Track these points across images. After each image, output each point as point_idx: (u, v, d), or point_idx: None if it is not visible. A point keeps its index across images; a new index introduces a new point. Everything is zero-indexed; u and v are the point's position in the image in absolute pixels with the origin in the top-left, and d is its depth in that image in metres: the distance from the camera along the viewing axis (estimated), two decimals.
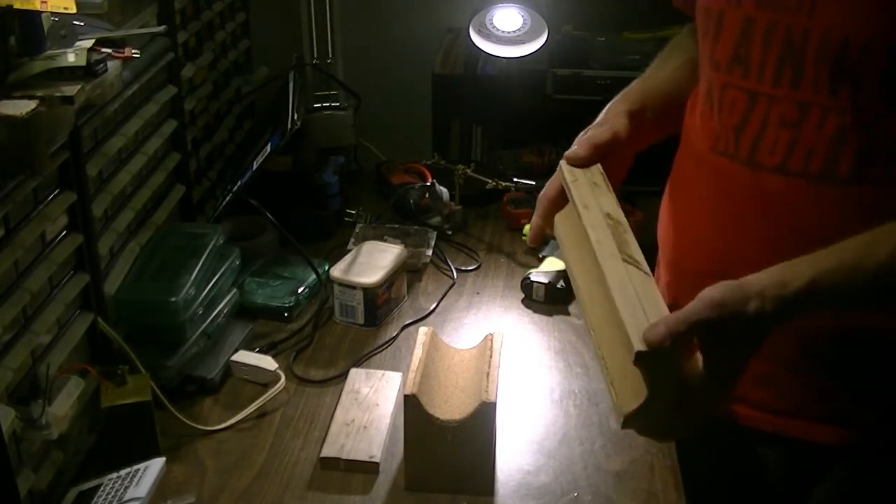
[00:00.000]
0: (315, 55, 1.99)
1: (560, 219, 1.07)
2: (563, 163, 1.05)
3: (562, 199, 1.06)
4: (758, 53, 0.93)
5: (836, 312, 0.93)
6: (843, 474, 1.05)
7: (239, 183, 1.70)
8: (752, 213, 0.98)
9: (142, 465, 1.17)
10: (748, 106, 0.95)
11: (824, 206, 0.92)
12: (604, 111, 1.12)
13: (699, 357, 0.85)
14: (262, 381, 1.36)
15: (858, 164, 0.90)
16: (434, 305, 1.60)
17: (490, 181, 1.82)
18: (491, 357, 1.18)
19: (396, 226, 1.78)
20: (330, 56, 1.99)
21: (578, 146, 1.05)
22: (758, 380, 1.02)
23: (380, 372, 1.39)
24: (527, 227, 1.77)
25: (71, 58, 1.05)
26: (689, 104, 1.11)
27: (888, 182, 0.89)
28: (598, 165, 1.05)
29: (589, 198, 0.99)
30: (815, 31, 0.88)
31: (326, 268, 1.60)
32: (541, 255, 1.70)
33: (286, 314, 1.54)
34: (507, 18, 1.87)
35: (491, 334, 1.23)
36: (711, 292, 0.84)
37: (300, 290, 1.58)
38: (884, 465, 1.03)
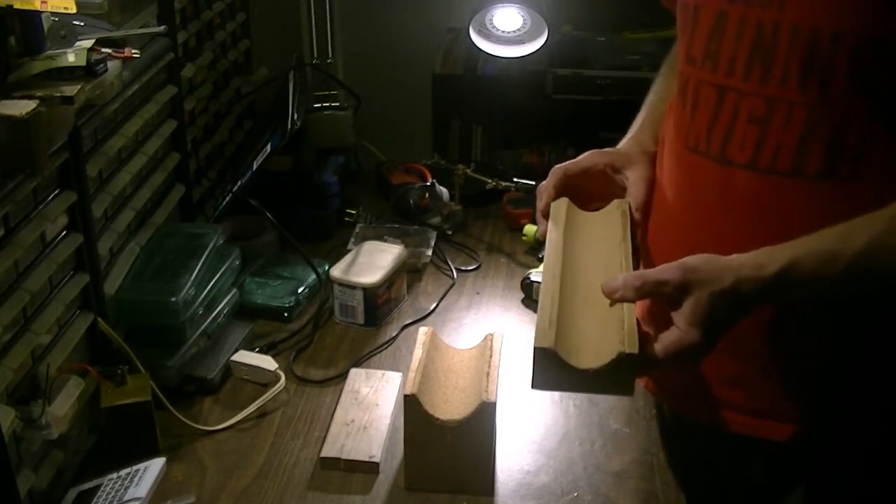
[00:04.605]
0: (315, 55, 1.99)
1: (572, 209, 1.10)
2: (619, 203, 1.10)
3: (577, 183, 1.11)
4: (729, 48, 0.94)
5: (814, 308, 0.93)
6: (816, 478, 1.05)
7: (239, 183, 1.70)
8: (724, 209, 0.98)
9: (142, 465, 1.17)
10: (718, 101, 0.96)
11: (794, 203, 0.93)
12: (622, 145, 1.15)
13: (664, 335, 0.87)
14: (262, 381, 1.36)
15: (827, 161, 0.90)
16: (434, 305, 1.60)
17: (490, 181, 1.82)
18: (491, 357, 1.18)
19: (396, 226, 1.78)
20: (330, 56, 1.99)
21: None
22: (731, 381, 1.02)
23: (380, 372, 1.39)
24: (527, 227, 1.78)
25: (71, 58, 1.05)
26: (668, 102, 1.11)
27: (857, 179, 0.90)
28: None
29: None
30: (785, 24, 0.88)
31: (326, 268, 1.60)
32: (540, 256, 1.70)
33: (286, 314, 1.54)
34: (507, 18, 1.86)
35: (491, 334, 1.23)
36: (687, 258, 0.88)
37: (300, 290, 1.58)
38: (855, 469, 1.03)
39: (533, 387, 0.86)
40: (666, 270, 0.88)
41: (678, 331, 0.86)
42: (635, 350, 0.83)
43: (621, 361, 0.83)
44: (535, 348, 0.84)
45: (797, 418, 1.01)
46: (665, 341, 0.87)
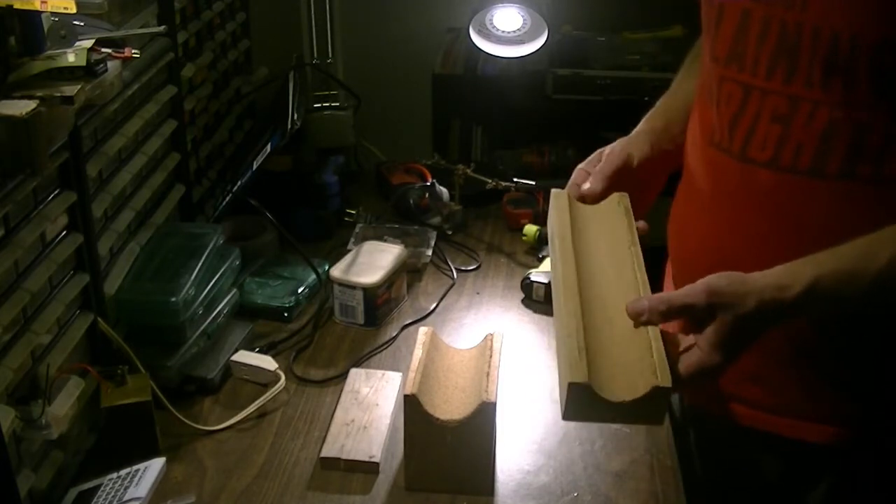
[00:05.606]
0: (315, 55, 1.99)
1: (574, 204, 1.09)
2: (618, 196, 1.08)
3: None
4: (753, 47, 0.94)
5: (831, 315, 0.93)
6: (836, 477, 1.05)
7: (239, 183, 1.70)
8: (744, 207, 0.98)
9: (142, 465, 1.17)
10: (742, 99, 0.96)
11: (813, 202, 0.93)
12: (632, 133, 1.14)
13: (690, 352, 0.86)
14: (262, 381, 1.36)
15: (848, 160, 0.90)
16: (434, 305, 1.60)
17: (490, 181, 1.82)
18: (491, 357, 1.18)
19: (396, 226, 1.78)
20: (330, 56, 1.99)
21: (593, 181, 1.07)
22: (750, 377, 1.02)
23: (380, 372, 1.39)
24: (527, 227, 1.78)
25: (71, 58, 1.05)
26: (695, 99, 1.11)
27: (877, 179, 0.90)
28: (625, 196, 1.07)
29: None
30: (807, 26, 0.88)
31: (326, 268, 1.60)
32: (541, 256, 1.70)
33: (286, 314, 1.54)
34: (507, 18, 1.86)
35: (491, 334, 1.23)
36: (711, 279, 0.86)
37: (300, 290, 1.58)
38: (876, 466, 1.03)
39: (564, 418, 0.85)
40: (691, 294, 0.86)
41: (700, 352, 0.85)
42: (668, 384, 0.82)
43: (655, 394, 0.82)
44: (569, 384, 0.83)
45: (817, 417, 1.01)
46: (687, 362, 0.86)
